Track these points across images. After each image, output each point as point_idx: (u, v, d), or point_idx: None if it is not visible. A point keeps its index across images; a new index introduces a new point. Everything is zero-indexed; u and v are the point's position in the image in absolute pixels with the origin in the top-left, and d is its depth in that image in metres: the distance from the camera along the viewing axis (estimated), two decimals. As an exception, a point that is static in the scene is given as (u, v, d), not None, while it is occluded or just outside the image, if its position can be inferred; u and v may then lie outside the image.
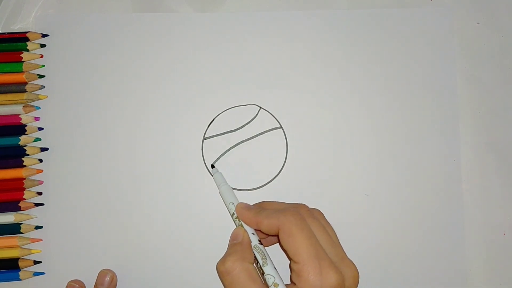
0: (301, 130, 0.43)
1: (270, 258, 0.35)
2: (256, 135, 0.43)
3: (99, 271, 0.41)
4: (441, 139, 0.43)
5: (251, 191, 0.42)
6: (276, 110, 0.43)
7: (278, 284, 0.32)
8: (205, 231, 0.42)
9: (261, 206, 0.37)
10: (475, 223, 0.42)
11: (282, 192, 0.42)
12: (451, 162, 0.43)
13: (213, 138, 0.43)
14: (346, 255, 0.34)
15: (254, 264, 0.35)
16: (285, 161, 0.43)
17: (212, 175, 0.41)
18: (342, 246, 0.34)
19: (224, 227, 0.41)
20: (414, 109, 0.43)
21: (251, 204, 0.38)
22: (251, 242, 0.36)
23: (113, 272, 0.41)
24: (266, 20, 0.44)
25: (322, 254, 0.31)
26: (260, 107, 0.43)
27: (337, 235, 0.35)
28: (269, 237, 0.38)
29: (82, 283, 0.40)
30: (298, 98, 0.43)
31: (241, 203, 0.38)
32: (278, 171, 0.42)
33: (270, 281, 0.33)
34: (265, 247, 0.36)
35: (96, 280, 0.40)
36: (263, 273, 0.34)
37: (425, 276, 0.42)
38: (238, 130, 0.43)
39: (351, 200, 0.42)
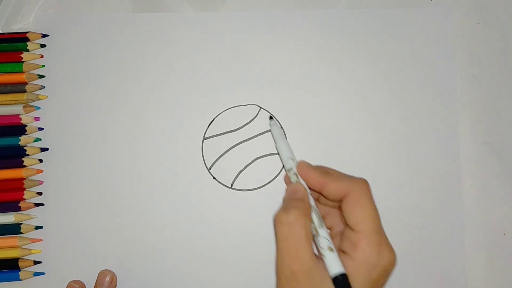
0: (301, 130, 0.43)
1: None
2: (256, 135, 0.43)
3: (99, 271, 0.41)
4: (441, 139, 0.43)
5: (251, 191, 0.42)
6: (276, 110, 0.43)
7: (333, 249, 0.30)
8: (205, 231, 0.42)
9: (323, 170, 0.35)
10: (475, 223, 0.42)
11: (282, 192, 0.42)
12: (451, 162, 0.43)
13: (213, 138, 0.43)
14: None
15: None
16: (285, 161, 0.43)
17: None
18: None
19: (224, 227, 0.42)
20: (414, 109, 0.43)
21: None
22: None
23: (113, 272, 0.41)
24: (266, 20, 0.44)
25: (382, 231, 0.31)
26: (260, 107, 0.43)
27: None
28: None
29: (82, 283, 0.40)
30: (298, 98, 0.43)
31: (304, 161, 0.35)
32: (278, 171, 0.42)
33: (324, 244, 0.31)
34: None
35: (96, 281, 0.40)
36: (314, 235, 0.32)
37: (425, 276, 0.42)
38: (238, 130, 0.43)
39: (351, 200, 0.42)
